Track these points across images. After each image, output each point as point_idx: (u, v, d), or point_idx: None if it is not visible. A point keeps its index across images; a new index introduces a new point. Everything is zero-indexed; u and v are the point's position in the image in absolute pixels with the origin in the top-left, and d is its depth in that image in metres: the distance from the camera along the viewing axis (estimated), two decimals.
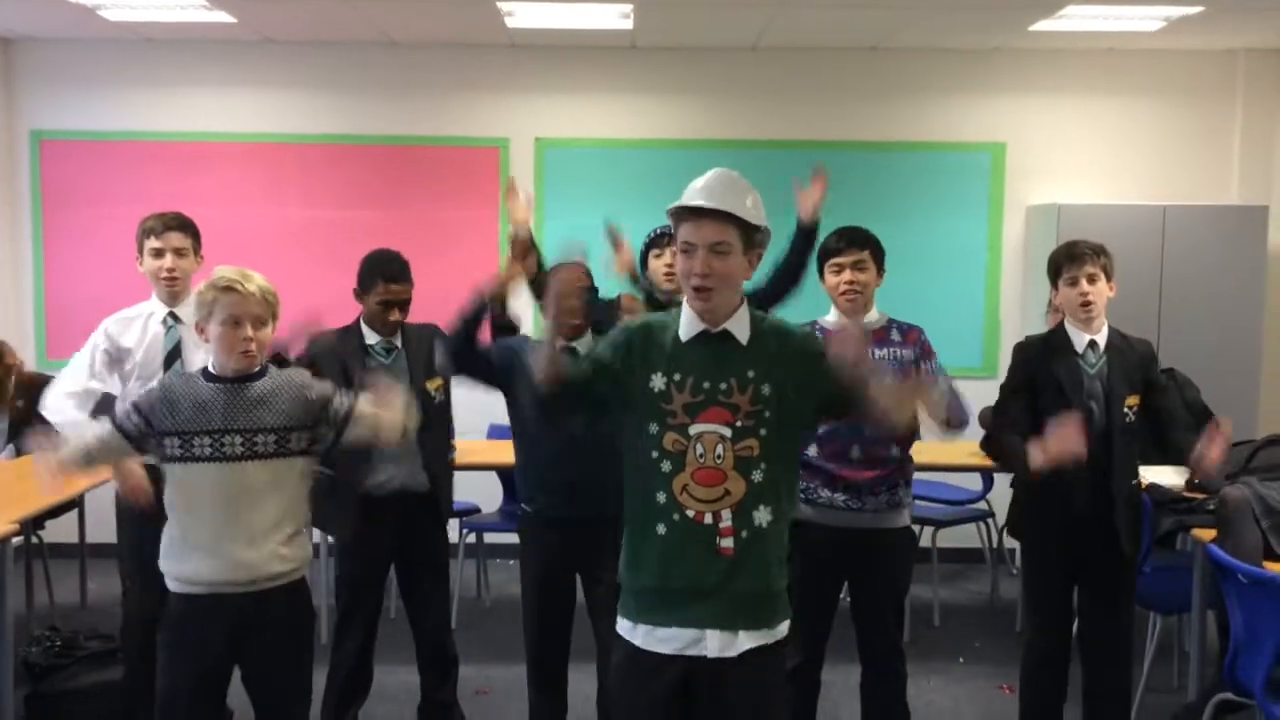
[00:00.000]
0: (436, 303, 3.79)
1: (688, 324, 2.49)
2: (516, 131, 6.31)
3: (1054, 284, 3.58)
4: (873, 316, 3.42)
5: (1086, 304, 3.48)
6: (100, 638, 4.25)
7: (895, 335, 3.42)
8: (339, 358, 3.68)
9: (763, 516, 2.45)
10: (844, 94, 6.31)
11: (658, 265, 3.94)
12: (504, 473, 5.16)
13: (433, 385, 3.79)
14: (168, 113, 6.23)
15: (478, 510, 5.39)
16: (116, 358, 3.70)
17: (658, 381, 2.46)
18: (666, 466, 2.45)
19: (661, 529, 2.46)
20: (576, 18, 5.55)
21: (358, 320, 3.79)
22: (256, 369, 2.88)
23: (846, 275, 3.37)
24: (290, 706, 2.97)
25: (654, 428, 2.46)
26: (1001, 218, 6.33)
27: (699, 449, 2.43)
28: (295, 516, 2.90)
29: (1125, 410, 3.49)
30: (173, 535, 2.85)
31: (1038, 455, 3.23)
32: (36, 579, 5.23)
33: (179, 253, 3.70)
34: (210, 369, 2.89)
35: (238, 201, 6.16)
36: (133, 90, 6.24)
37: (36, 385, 5.18)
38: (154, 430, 2.82)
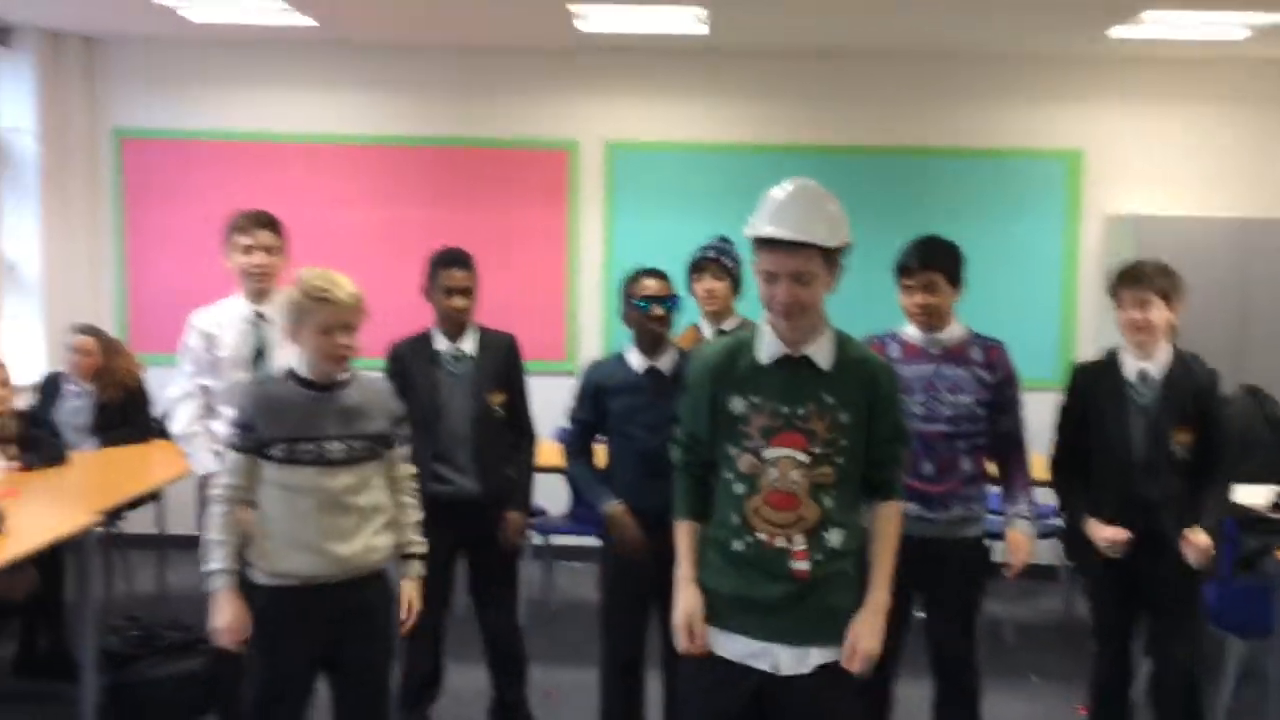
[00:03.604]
0: (508, 302, 3.85)
1: (768, 347, 2.48)
2: (586, 134, 6.33)
3: (1114, 301, 3.47)
4: (953, 332, 3.38)
5: (1137, 329, 3.38)
6: (180, 628, 4.33)
7: (975, 353, 3.36)
8: (410, 364, 3.75)
9: (835, 539, 2.45)
10: (919, 99, 6.25)
11: (698, 289, 3.96)
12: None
13: (495, 399, 3.80)
14: (246, 112, 6.34)
15: (544, 513, 5.42)
16: (208, 349, 3.75)
17: (738, 404, 2.48)
18: (740, 488, 2.47)
19: (737, 546, 2.48)
20: (649, 21, 5.55)
21: (429, 328, 3.83)
22: (346, 374, 2.95)
23: (917, 298, 3.33)
24: (377, 694, 3.06)
25: (731, 449, 2.48)
26: (1078, 227, 6.23)
27: (773, 473, 2.43)
28: (385, 508, 3.01)
29: (1174, 447, 3.36)
30: (267, 533, 2.90)
31: (1096, 539, 3.38)
32: (116, 569, 5.35)
33: (268, 250, 3.75)
34: (297, 372, 2.94)
35: (312, 201, 6.25)
36: (212, 90, 6.35)
37: (132, 380, 5.32)
38: (262, 439, 2.88)
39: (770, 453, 2.43)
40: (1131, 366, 3.42)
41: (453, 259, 3.78)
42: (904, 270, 3.35)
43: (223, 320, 3.76)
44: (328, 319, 2.86)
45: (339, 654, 2.99)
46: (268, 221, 3.78)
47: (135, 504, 4.73)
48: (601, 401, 3.57)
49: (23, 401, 5.07)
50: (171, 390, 3.83)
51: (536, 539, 5.46)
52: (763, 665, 2.45)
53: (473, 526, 3.75)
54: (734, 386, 2.49)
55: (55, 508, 4.03)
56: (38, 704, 4.26)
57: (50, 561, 4.19)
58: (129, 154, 6.38)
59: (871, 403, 2.45)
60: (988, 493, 3.49)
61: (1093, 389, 3.48)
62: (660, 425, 3.42)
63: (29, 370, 5.64)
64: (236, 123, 6.34)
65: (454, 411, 3.75)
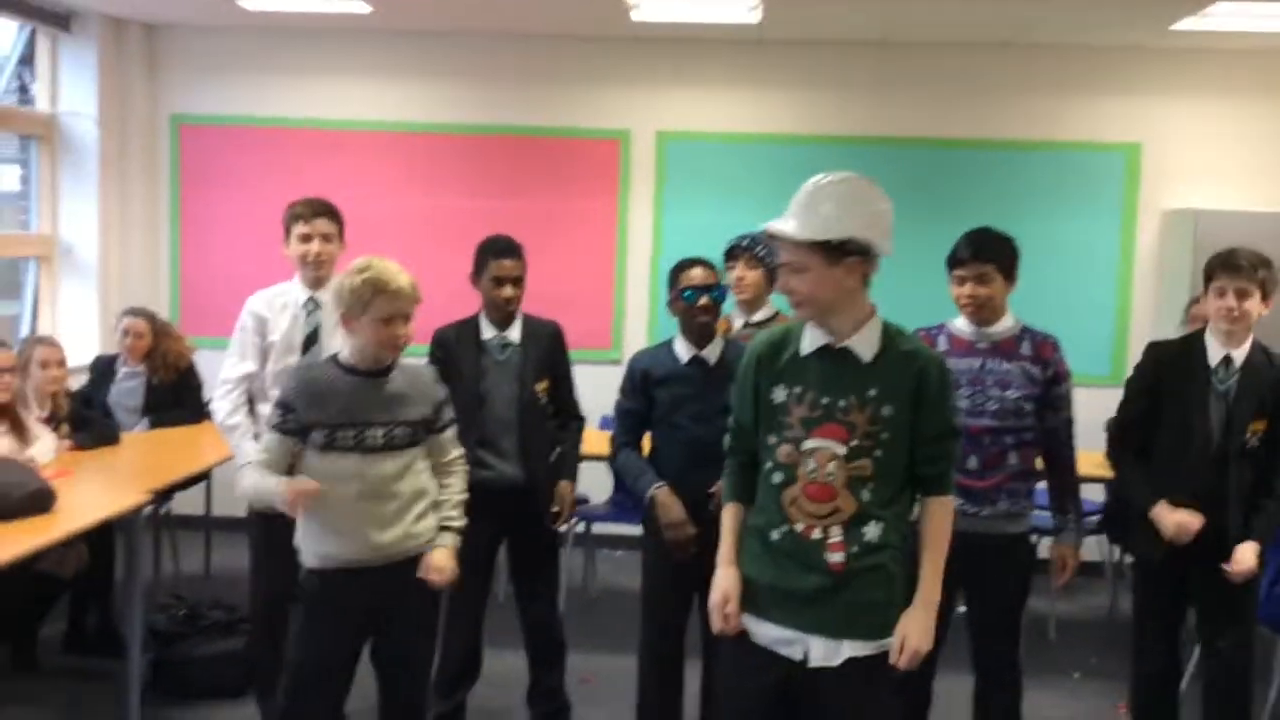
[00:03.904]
0: (556, 290, 3.84)
1: (810, 338, 2.48)
2: (638, 124, 6.32)
3: (1205, 288, 3.42)
4: (1004, 324, 3.32)
5: (1231, 318, 3.32)
6: (223, 608, 4.40)
7: (1026, 348, 3.30)
8: (456, 350, 3.75)
9: (874, 532, 2.43)
10: (975, 90, 6.16)
11: (730, 278, 3.95)
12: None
13: (540, 387, 3.79)
14: (301, 99, 6.39)
15: (586, 501, 5.42)
16: (260, 333, 3.76)
17: (779, 394, 2.48)
18: (778, 478, 2.47)
19: (775, 535, 2.47)
20: (703, 11, 5.52)
21: (476, 314, 3.82)
22: (390, 360, 2.97)
23: (968, 289, 3.28)
24: (419, 675, 3.11)
25: (772, 439, 2.48)
26: (1135, 221, 6.11)
27: (810, 464, 2.42)
28: (426, 494, 3.02)
29: (1248, 435, 3.32)
30: (310, 518, 2.93)
31: (1166, 523, 3.30)
32: (163, 549, 5.44)
33: (325, 238, 3.76)
34: (341, 359, 2.96)
35: (365, 188, 6.28)
36: (269, 77, 6.41)
37: (183, 362, 5.40)
38: (303, 423, 2.91)
39: (809, 444, 2.42)
40: (1216, 352, 3.38)
41: (503, 248, 3.76)
42: (956, 261, 3.30)
43: (277, 304, 3.77)
44: (388, 309, 2.88)
45: (381, 637, 3.02)
46: (326, 210, 3.79)
47: (184, 485, 4.79)
48: (648, 390, 3.56)
49: (76, 382, 5.15)
50: (221, 375, 3.83)
51: (579, 526, 5.47)
52: (794, 654, 2.44)
53: (515, 513, 3.75)
54: (777, 376, 2.49)
55: (106, 487, 4.11)
56: (86, 680, 4.33)
57: (100, 540, 4.26)
58: (186, 140, 6.46)
59: (918, 397, 2.41)
60: (1035, 489, 3.43)
61: (1170, 368, 3.44)
62: (707, 416, 3.41)
63: (83, 352, 5.74)
64: (291, 110, 6.40)
65: (498, 399, 3.75)
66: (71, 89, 6.12)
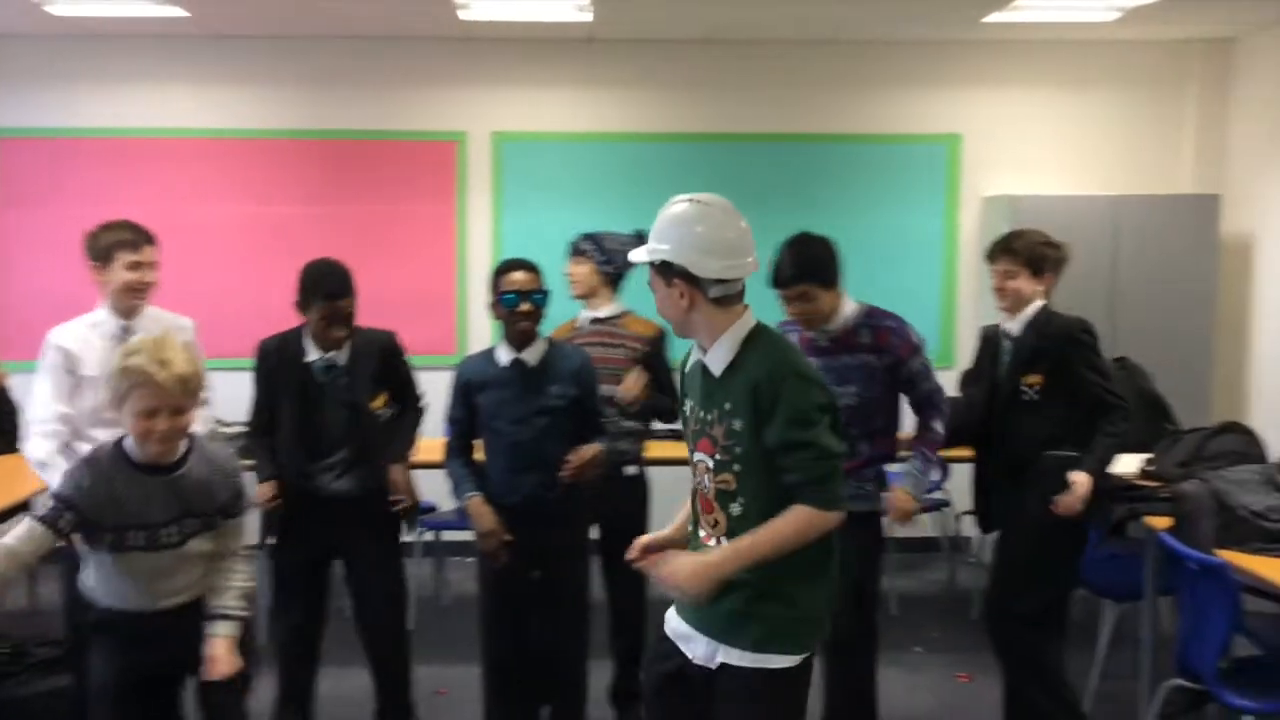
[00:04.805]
0: (396, 295, 3.76)
1: (695, 353, 2.56)
2: (474, 125, 6.27)
3: None
4: (841, 317, 3.44)
5: (1001, 296, 3.69)
6: (50, 644, 4.19)
7: (865, 336, 3.43)
8: (278, 368, 3.63)
9: None
10: (801, 87, 6.31)
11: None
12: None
13: (377, 403, 3.69)
14: (118, 108, 6.15)
15: (433, 509, 5.36)
16: (70, 369, 3.55)
17: (685, 406, 2.59)
18: (691, 486, 2.57)
19: (693, 539, 2.58)
20: (532, 9, 5.51)
21: (300, 329, 3.65)
22: (177, 456, 2.82)
23: (794, 308, 3.42)
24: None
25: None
26: (958, 209, 6.37)
27: (697, 475, 2.52)
28: (204, 580, 2.95)
29: (1024, 388, 3.62)
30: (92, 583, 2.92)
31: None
32: None
33: (152, 266, 3.60)
34: (127, 449, 2.80)
35: (190, 197, 6.07)
36: (81, 86, 6.15)
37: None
38: (86, 524, 2.77)
39: (696, 456, 2.53)
40: (1007, 325, 3.73)
41: (332, 290, 3.54)
42: (776, 283, 3.40)
43: (88, 337, 3.58)
44: (148, 402, 2.70)
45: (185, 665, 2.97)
46: (149, 236, 3.62)
47: (3, 516, 4.54)
48: (471, 398, 3.56)
49: None
50: (33, 413, 3.61)
51: (427, 535, 5.40)
52: (690, 650, 2.50)
53: (345, 525, 3.64)
54: (684, 390, 2.60)
55: None
56: None
57: None
58: (2, 154, 6.13)
59: (755, 410, 2.39)
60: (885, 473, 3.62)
61: (984, 346, 3.87)
62: (527, 418, 3.44)
63: None
64: (107, 120, 6.14)
65: (328, 421, 3.62)
66: None
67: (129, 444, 2.79)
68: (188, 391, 2.74)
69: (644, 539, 2.66)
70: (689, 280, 2.42)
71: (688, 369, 2.58)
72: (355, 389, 3.64)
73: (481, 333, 6.26)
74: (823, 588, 2.46)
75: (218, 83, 6.20)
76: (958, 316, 6.36)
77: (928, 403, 3.53)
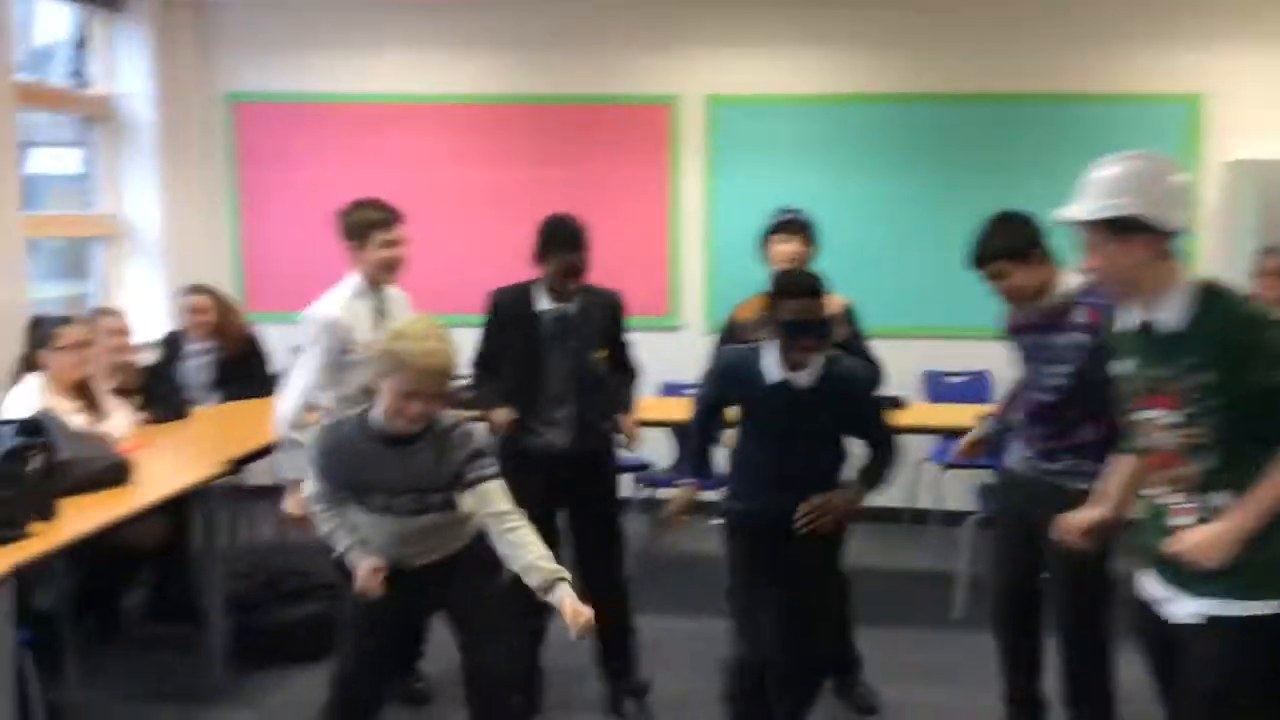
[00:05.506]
0: (605, 261, 3.80)
1: (1119, 314, 2.63)
2: (687, 88, 6.28)
3: None
4: (1058, 295, 3.25)
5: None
6: (299, 574, 4.49)
7: (1079, 316, 3.22)
8: (510, 317, 3.75)
9: (1218, 500, 2.45)
10: (1030, 44, 6.04)
11: (775, 250, 3.93)
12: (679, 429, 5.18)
13: (599, 356, 3.79)
14: (351, 74, 6.42)
15: (650, 466, 5.44)
16: (343, 340, 3.63)
17: (1122, 367, 2.64)
18: (1132, 446, 2.71)
19: (1145, 502, 2.66)
20: None
21: (532, 283, 3.76)
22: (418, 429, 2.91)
23: (996, 286, 3.26)
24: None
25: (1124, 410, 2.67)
26: (1197, 175, 6.00)
27: (1144, 434, 2.61)
28: (458, 538, 3.07)
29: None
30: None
31: None
32: (238, 519, 5.52)
33: (403, 243, 3.72)
34: (371, 420, 2.93)
35: (417, 162, 6.30)
36: (319, 53, 6.44)
37: (250, 339, 5.48)
38: (334, 486, 2.99)
39: (1145, 414, 2.52)
40: None
41: (569, 242, 3.65)
42: (976, 263, 3.28)
43: (354, 307, 3.66)
44: (411, 384, 2.81)
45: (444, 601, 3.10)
46: (399, 214, 3.73)
47: (256, 456, 4.86)
48: (731, 392, 3.42)
49: (147, 358, 5.24)
50: (295, 382, 3.69)
51: (643, 492, 5.49)
52: (1168, 610, 2.52)
53: (567, 482, 3.75)
54: (1121, 350, 2.60)
55: (181, 460, 4.18)
56: (170, 647, 4.43)
57: (177, 512, 4.34)
58: (241, 118, 6.52)
59: (1233, 362, 2.35)
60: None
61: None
62: (788, 439, 3.31)
63: (151, 329, 5.83)
64: (342, 85, 6.42)
65: (553, 372, 3.73)
66: (127, 70, 6.18)
67: (375, 414, 2.92)
68: (446, 380, 2.87)
69: (1081, 520, 2.78)
70: (1150, 234, 2.42)
71: (1115, 330, 2.61)
72: (583, 339, 3.75)
73: (694, 296, 6.33)
74: None
75: (441, 48, 6.38)
76: None
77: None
